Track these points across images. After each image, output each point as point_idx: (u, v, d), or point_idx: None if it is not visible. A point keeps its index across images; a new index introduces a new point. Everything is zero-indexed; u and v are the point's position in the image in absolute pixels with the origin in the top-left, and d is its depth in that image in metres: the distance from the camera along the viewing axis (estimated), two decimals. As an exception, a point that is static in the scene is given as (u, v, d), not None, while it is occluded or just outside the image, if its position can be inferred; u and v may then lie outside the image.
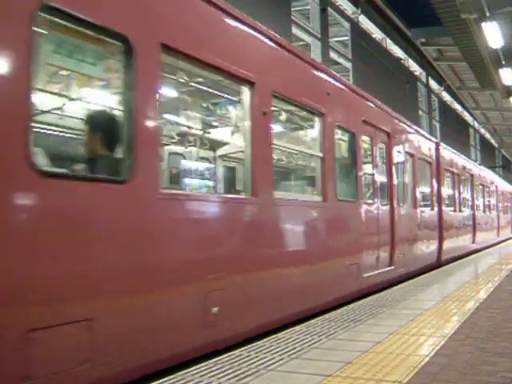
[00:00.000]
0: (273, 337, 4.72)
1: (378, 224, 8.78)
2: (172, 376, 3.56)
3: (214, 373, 3.59)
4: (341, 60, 19.87)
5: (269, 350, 4.22)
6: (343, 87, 8.19)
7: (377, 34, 23.66)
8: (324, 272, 6.83)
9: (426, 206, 12.33)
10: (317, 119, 7.15)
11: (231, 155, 8.46)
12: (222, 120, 7.86)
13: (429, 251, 12.13)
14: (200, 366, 3.79)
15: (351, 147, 8.33)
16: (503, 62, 16.41)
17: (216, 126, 8.08)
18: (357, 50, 19.97)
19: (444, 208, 13.47)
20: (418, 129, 12.48)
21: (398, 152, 10.37)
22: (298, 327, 5.12)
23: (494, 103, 29.80)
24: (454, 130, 32.98)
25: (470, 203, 17.39)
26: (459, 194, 15.71)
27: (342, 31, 20.20)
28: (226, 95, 6.68)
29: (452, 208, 14.76)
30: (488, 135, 43.02)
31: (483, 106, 31.39)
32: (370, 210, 8.56)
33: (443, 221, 13.19)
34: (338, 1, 19.77)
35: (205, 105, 7.53)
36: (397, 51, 25.96)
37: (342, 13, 19.86)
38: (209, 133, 7.83)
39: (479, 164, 26.12)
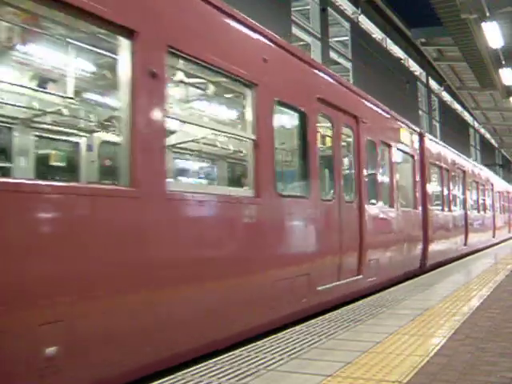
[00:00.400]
0: (273, 337, 4.72)
1: (340, 225, 7.31)
2: (172, 376, 3.56)
3: (213, 373, 3.59)
4: (341, 60, 19.90)
5: (269, 350, 4.22)
6: (290, 56, 6.53)
7: (377, 33, 23.68)
8: (248, 289, 5.21)
9: (407, 204, 11.01)
10: (247, 91, 5.58)
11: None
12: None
13: (411, 256, 10.66)
14: (200, 365, 3.79)
15: (302, 130, 6.69)
16: (503, 62, 16.42)
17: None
18: (357, 50, 19.99)
19: (430, 207, 12.05)
20: (397, 115, 10.80)
21: (370, 140, 8.71)
22: (298, 327, 5.12)
23: (494, 103, 29.83)
24: (454, 130, 33.01)
25: (462, 202, 15.96)
26: (449, 191, 14.16)
27: (342, 31, 20.22)
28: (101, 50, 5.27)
29: (440, 207, 13.35)
30: (488, 135, 43.06)
31: (483, 106, 31.41)
32: (328, 209, 7.08)
33: (429, 221, 11.77)
34: (338, 1, 19.78)
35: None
36: (397, 51, 25.98)
37: (342, 13, 19.88)
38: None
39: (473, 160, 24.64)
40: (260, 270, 5.46)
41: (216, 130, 6.48)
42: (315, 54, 17.13)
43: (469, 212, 16.37)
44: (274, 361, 3.87)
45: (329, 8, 18.41)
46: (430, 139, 13.00)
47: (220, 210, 4.99)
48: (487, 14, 12.85)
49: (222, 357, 4.03)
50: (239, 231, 5.26)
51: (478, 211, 18.51)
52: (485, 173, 21.17)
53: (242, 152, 7.39)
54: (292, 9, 16.12)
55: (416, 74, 28.78)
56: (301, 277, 6.15)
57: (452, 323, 5.08)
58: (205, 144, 7.89)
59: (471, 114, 36.95)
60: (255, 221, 5.45)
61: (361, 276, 7.81)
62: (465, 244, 15.48)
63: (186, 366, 3.97)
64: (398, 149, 10.32)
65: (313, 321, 5.44)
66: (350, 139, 8.23)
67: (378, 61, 21.34)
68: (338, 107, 7.58)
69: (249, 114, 5.60)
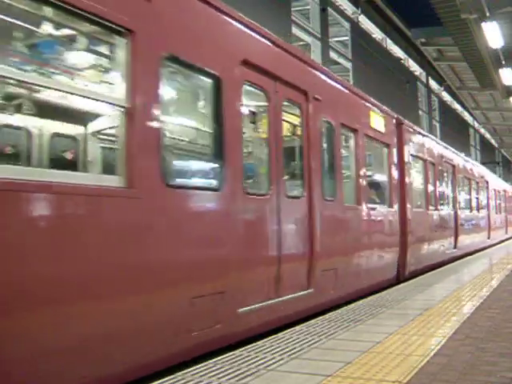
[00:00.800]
0: (273, 337, 4.72)
1: (278, 227, 5.76)
2: (172, 376, 3.56)
3: (213, 373, 3.59)
4: (341, 60, 19.90)
5: (269, 350, 4.22)
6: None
7: (377, 33, 23.69)
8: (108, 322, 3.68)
9: (382, 202, 9.52)
10: (118, 41, 4.12)
11: None
12: None
13: (384, 263, 9.06)
14: (200, 365, 3.79)
15: (214, 102, 5.05)
16: (503, 62, 16.43)
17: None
18: (357, 50, 19.99)
19: (410, 205, 10.44)
20: (367, 96, 9.19)
21: (326, 122, 7.17)
22: (298, 327, 5.12)
23: (494, 103, 29.85)
24: (454, 130, 33.02)
25: (452, 200, 14.43)
26: (435, 188, 12.57)
27: (342, 31, 20.23)
28: None
29: (423, 205, 11.81)
30: (488, 135, 43.09)
31: (483, 106, 31.43)
32: (259, 205, 5.52)
33: (408, 222, 10.14)
34: (338, 1, 19.79)
35: None
36: (397, 51, 25.99)
37: (342, 13, 19.89)
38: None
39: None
40: (128, 292, 3.81)
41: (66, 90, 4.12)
42: (315, 54, 17.15)
43: (459, 211, 14.85)
44: (273, 361, 3.87)
45: (329, 8, 18.41)
46: (411, 128, 11.36)
47: (50, 205, 3.46)
48: (487, 14, 12.87)
49: (221, 357, 4.03)
50: (90, 236, 3.62)
51: (471, 210, 17.05)
52: (478, 169, 19.71)
53: (107, 124, 5.21)
54: (292, 9, 16.13)
55: (416, 74, 28.79)
56: (207, 297, 4.55)
57: (452, 323, 5.08)
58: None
59: (471, 114, 36.97)
60: (124, 221, 3.90)
61: (311, 290, 6.28)
62: (454, 247, 13.91)
63: (186, 366, 3.97)
64: (366, 135, 8.60)
65: (313, 321, 5.44)
66: (297, 119, 6.65)
67: (377, 61, 21.35)
68: (277, 77, 5.92)
69: (118, 73, 4.24)
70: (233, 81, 5.17)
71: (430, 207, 12.12)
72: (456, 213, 14.43)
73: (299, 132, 6.67)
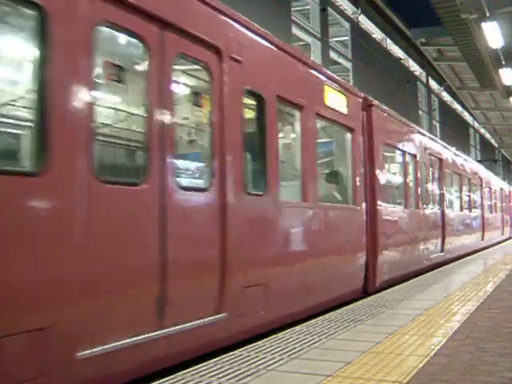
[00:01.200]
0: (273, 337, 4.72)
1: (160, 230, 4.14)
2: (172, 376, 3.56)
3: (214, 373, 3.59)
4: (341, 60, 19.92)
5: (269, 349, 4.22)
6: None
7: (377, 33, 23.71)
8: None
9: (344, 199, 8.02)
10: None
11: None
12: None
13: (342, 272, 7.39)
14: (200, 365, 3.79)
15: (38, 46, 3.39)
16: (503, 62, 16.43)
17: None
18: (357, 50, 20.00)
19: (382, 203, 8.74)
20: (322, 68, 7.78)
21: (248, 92, 5.42)
22: (298, 327, 5.12)
23: (494, 103, 29.83)
24: (454, 130, 33.04)
25: (438, 198, 12.82)
26: (416, 184, 10.96)
27: (342, 31, 20.25)
28: None
29: (403, 204, 10.24)
30: (488, 135, 43.08)
31: (483, 106, 31.41)
32: (117, 200, 3.86)
33: (379, 223, 8.46)
34: (338, 1, 19.80)
35: None
36: (397, 51, 26.01)
37: (342, 13, 19.91)
38: None
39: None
40: None
41: None
42: (315, 54, 17.16)
43: (447, 210, 13.34)
44: (274, 361, 3.87)
45: (329, 8, 18.43)
46: (384, 112, 9.51)
47: None
48: (487, 14, 12.86)
49: (221, 357, 4.03)
50: None
51: (462, 209, 15.55)
52: (471, 165, 18.12)
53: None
54: (292, 9, 16.15)
55: (416, 74, 28.82)
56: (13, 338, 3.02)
57: (452, 323, 5.08)
58: None
59: (471, 114, 36.96)
60: None
61: (222, 315, 4.71)
62: (441, 250, 12.46)
63: (187, 366, 3.97)
64: (319, 115, 6.90)
65: (313, 321, 5.44)
66: (204, 85, 5.08)
67: (378, 61, 21.36)
68: (166, 23, 4.33)
69: None
70: (68, 16, 3.52)
71: (410, 206, 10.54)
72: (443, 212, 12.90)
73: (205, 102, 5.03)
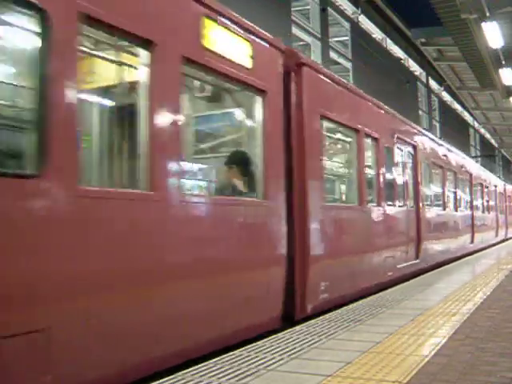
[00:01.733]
0: (273, 337, 4.72)
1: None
2: (172, 376, 3.56)
3: (214, 373, 3.59)
4: (341, 60, 19.92)
5: (269, 349, 4.22)
6: None
7: (377, 33, 23.71)
8: None
9: (250, 190, 5.55)
10: None
11: None
12: None
13: (240, 296, 5.00)
14: (200, 365, 3.79)
15: None
16: (503, 62, 16.42)
17: None
18: (357, 50, 20.00)
19: (317, 199, 6.45)
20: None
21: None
22: (298, 327, 5.12)
23: (494, 103, 29.82)
24: (454, 130, 33.02)
25: (411, 194, 10.51)
26: (377, 174, 8.70)
27: (342, 31, 20.24)
28: None
29: (355, 200, 7.95)
30: (488, 135, 43.07)
31: (483, 106, 31.40)
32: None
33: (309, 224, 6.14)
34: (338, 1, 19.80)
35: None
36: (397, 51, 26.00)
37: (342, 13, 19.90)
38: None
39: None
40: None
41: None
42: (315, 54, 17.15)
43: (424, 209, 11.02)
44: (274, 361, 3.87)
45: (329, 8, 18.42)
46: (326, 75, 7.17)
47: None
48: (487, 14, 12.86)
49: (221, 357, 4.03)
50: None
51: (444, 208, 13.08)
52: (457, 157, 15.49)
53: None
54: (292, 9, 16.14)
55: (416, 74, 28.81)
56: None
57: (452, 323, 5.08)
58: None
59: (471, 114, 36.95)
60: None
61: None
62: (416, 257, 10.19)
63: (187, 366, 3.97)
64: (190, 61, 4.46)
65: (313, 321, 5.44)
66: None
67: (377, 61, 21.34)
68: None
69: None
70: None
71: (367, 202, 8.17)
72: (418, 211, 10.58)
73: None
